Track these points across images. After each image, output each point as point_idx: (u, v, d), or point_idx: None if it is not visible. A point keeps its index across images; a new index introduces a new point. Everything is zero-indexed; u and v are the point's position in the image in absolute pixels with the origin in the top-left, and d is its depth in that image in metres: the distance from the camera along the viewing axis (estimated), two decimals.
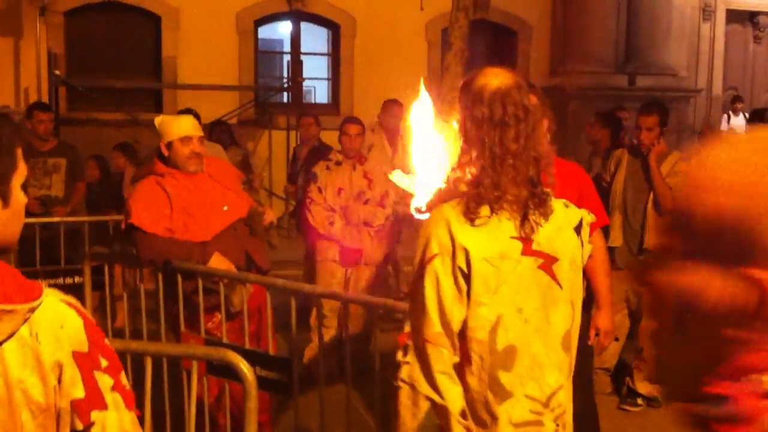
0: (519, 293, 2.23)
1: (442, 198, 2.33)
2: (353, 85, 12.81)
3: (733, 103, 13.37)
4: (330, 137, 7.68)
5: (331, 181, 5.81)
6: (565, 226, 2.31)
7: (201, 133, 4.42)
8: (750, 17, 14.42)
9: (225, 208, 4.27)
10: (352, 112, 12.17)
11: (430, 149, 2.44)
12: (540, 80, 13.96)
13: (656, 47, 13.17)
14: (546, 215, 2.27)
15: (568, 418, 2.31)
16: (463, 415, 2.19)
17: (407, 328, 2.27)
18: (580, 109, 12.18)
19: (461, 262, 2.19)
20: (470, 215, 2.21)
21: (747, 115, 12.95)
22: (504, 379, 2.22)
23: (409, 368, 2.22)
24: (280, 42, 14.13)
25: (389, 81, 11.89)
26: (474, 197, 2.23)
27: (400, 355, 2.26)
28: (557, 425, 2.27)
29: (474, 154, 2.26)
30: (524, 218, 2.24)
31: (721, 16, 14.07)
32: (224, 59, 11.89)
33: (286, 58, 13.12)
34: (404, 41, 12.78)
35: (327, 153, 6.42)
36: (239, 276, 4.01)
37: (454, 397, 2.18)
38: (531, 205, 2.25)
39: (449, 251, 2.20)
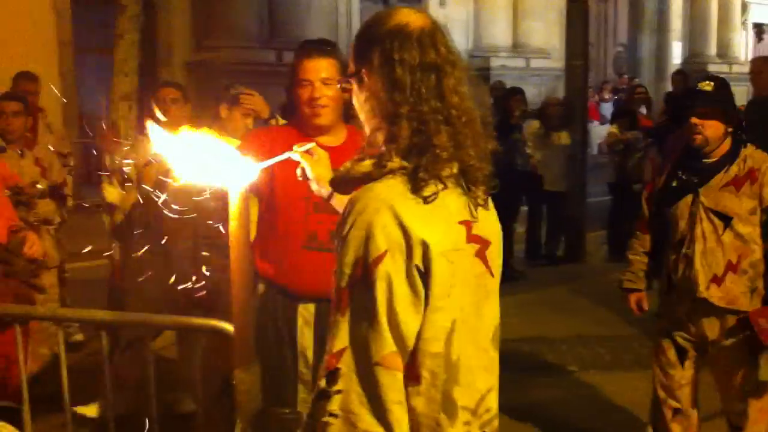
0: (464, 289, 1.77)
1: (366, 174, 1.75)
2: None
3: None
4: None
5: None
6: (490, 202, 1.88)
7: None
8: None
9: None
10: None
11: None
12: (185, 55, 13.30)
13: (298, 23, 13.26)
14: (486, 191, 1.81)
15: (496, 422, 1.91)
16: None
17: (336, 347, 1.69)
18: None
19: (418, 259, 1.67)
20: (421, 192, 1.69)
21: None
22: (457, 395, 1.77)
23: (342, 398, 1.67)
24: None
25: (13, 56, 10.50)
26: (426, 166, 1.70)
27: (323, 383, 1.69)
28: None
29: (404, 109, 1.72)
30: (470, 195, 1.78)
31: None
32: None
33: None
34: (27, 11, 11.32)
35: None
36: None
37: (405, 431, 1.71)
38: (479, 177, 1.78)
39: (401, 246, 1.66)
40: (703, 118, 3.52)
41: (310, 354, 3.03)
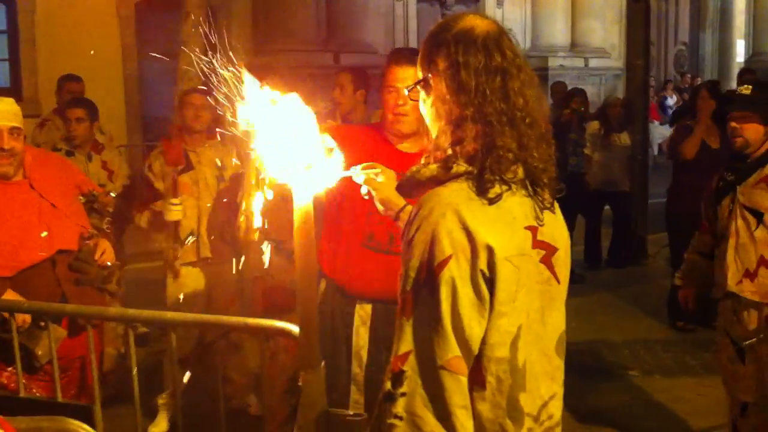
0: (530, 295, 1.77)
1: (433, 177, 1.77)
2: (36, 67, 11.36)
3: None
4: None
5: None
6: (557, 207, 1.88)
7: (14, 123, 3.23)
8: None
9: (44, 233, 3.17)
10: (36, 96, 10.84)
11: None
12: (245, 59, 13.45)
13: (356, 26, 13.32)
14: (552, 194, 1.82)
15: (558, 430, 1.91)
16: None
17: (401, 349, 1.70)
18: (290, 88, 11.92)
19: (483, 264, 1.67)
20: (487, 194, 1.70)
21: None
22: (523, 401, 1.78)
23: (406, 400, 1.68)
24: None
25: (78, 61, 10.75)
26: (491, 167, 1.71)
27: (389, 385, 1.71)
28: None
29: (469, 111, 1.74)
30: (535, 199, 1.78)
31: None
32: None
33: None
34: (92, 16, 11.57)
35: None
36: (53, 308, 2.99)
37: None
38: (544, 180, 1.79)
39: (466, 251, 1.67)
40: (741, 122, 3.67)
41: (364, 354, 3.01)
